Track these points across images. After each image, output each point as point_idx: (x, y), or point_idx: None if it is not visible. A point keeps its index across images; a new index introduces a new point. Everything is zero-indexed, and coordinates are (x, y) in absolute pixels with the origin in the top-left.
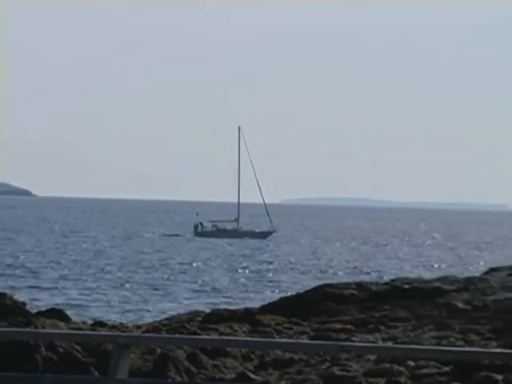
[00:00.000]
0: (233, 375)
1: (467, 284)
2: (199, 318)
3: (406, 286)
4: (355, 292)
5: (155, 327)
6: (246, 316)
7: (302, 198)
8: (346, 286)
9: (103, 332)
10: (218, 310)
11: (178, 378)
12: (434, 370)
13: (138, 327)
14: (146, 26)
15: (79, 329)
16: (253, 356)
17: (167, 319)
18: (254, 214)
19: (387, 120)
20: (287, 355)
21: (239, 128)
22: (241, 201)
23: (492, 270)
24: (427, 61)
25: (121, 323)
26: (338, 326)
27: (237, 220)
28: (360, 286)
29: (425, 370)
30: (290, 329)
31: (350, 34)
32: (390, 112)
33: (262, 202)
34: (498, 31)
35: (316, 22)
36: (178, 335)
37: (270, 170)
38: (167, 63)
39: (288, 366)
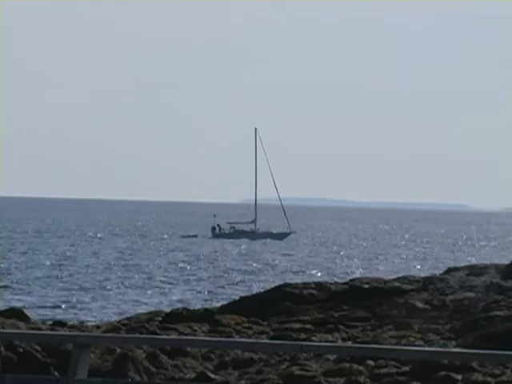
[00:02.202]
0: (192, 375)
1: (426, 284)
2: (159, 318)
3: (366, 286)
4: (314, 292)
5: (115, 327)
6: (206, 316)
7: (264, 197)
8: (306, 285)
9: (63, 332)
10: (178, 309)
11: (138, 378)
12: (394, 370)
13: (98, 327)
14: (157, 23)
15: (39, 329)
16: (212, 356)
17: (127, 319)
18: (270, 215)
19: (342, 118)
20: (247, 355)
21: (256, 129)
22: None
23: (451, 270)
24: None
25: (80, 323)
26: (297, 325)
27: (254, 221)
28: (319, 285)
29: (384, 370)
30: (250, 328)
31: (362, 32)
32: (344, 110)
33: (280, 203)
34: (496, 31)
35: (330, 20)
36: (137, 335)
37: (231, 169)
38: (180, 62)
39: (247, 365)
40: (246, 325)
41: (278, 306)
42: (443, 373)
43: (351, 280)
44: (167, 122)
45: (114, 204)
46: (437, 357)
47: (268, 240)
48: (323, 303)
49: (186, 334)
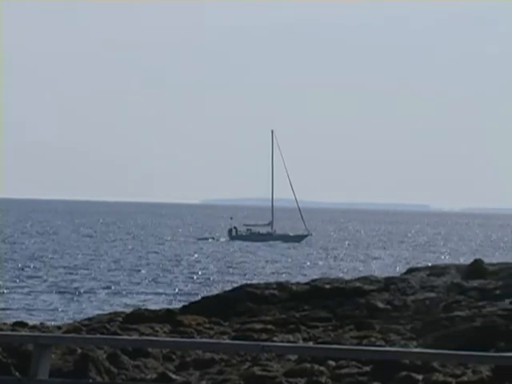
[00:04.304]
0: (154, 375)
1: (387, 284)
2: (120, 319)
3: (327, 286)
4: (276, 292)
5: (76, 327)
6: (167, 316)
7: (225, 198)
8: (267, 286)
9: (24, 332)
10: (139, 310)
11: (99, 379)
12: (355, 370)
13: (59, 327)
14: (175, 25)
15: None
16: (174, 356)
17: (88, 319)
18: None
19: (308, 118)
20: (208, 355)
21: (272, 131)
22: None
23: (412, 270)
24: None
25: (41, 323)
26: (258, 326)
27: (271, 224)
28: (281, 286)
29: (345, 370)
30: (211, 329)
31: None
32: (309, 111)
33: (296, 205)
34: (496, 29)
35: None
36: (98, 335)
37: (192, 168)
38: (191, 64)
39: (209, 366)
40: (208, 325)
41: (239, 306)
42: (404, 373)
43: (312, 280)
44: (177, 124)
45: (112, 205)
46: (398, 357)
47: (284, 242)
48: (284, 303)
49: (147, 335)
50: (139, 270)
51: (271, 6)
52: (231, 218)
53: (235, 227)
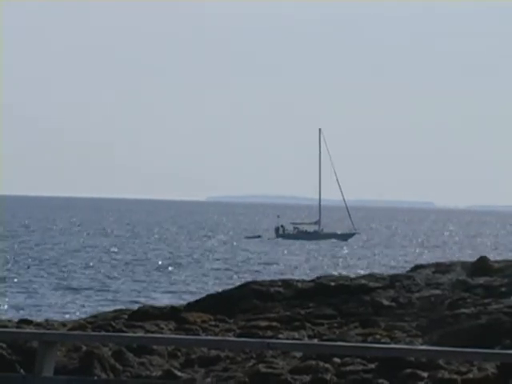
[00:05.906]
0: (159, 373)
1: (393, 281)
2: (125, 316)
3: (332, 284)
4: (281, 289)
5: (81, 325)
6: (172, 313)
7: (229, 195)
8: (272, 283)
9: (29, 330)
10: (144, 307)
11: (104, 376)
12: (360, 367)
13: (64, 325)
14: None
15: (5, 326)
16: (179, 353)
17: (93, 317)
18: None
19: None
20: (213, 352)
21: (320, 130)
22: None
23: (417, 267)
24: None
25: (46, 321)
26: (263, 323)
27: (318, 222)
28: (286, 283)
29: (350, 367)
30: (216, 326)
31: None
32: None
33: (344, 203)
34: (496, 26)
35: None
36: (103, 333)
37: (195, 165)
38: (236, 63)
39: (214, 363)
40: (213, 322)
41: (244, 303)
42: (409, 370)
43: (317, 277)
44: (177, 124)
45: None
46: (403, 354)
47: (332, 241)
48: (290, 301)
49: (153, 332)
50: (152, 267)
51: (272, 5)
52: (278, 217)
53: (282, 226)
